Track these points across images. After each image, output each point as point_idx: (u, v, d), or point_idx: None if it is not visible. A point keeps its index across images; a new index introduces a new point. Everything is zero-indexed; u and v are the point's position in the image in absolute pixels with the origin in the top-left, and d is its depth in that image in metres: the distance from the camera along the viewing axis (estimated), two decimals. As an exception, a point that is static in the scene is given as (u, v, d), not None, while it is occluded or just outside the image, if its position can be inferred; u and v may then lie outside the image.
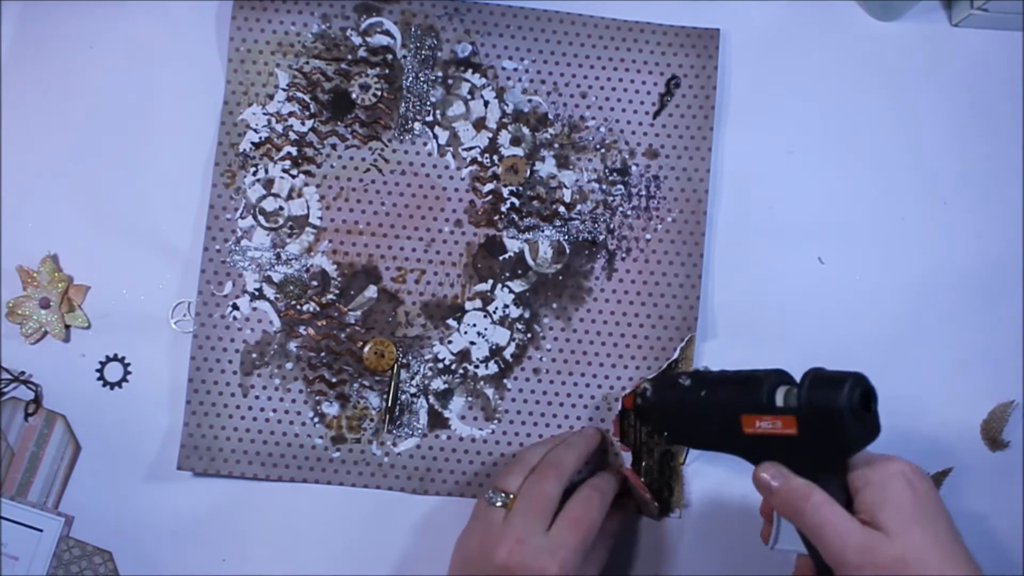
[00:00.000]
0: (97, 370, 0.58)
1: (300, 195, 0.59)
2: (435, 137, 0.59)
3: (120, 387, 0.58)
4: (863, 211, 0.60)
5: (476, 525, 0.52)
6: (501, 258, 0.59)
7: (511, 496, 0.52)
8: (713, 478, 0.58)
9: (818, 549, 0.45)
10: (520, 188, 0.59)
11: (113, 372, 0.58)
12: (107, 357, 0.58)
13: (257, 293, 0.58)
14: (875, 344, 0.59)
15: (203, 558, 0.57)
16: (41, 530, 0.57)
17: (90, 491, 0.58)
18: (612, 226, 0.59)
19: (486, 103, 0.60)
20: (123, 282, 0.59)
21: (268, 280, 0.58)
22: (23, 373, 0.58)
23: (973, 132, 0.61)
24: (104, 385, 0.58)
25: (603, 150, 0.60)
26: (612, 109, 0.60)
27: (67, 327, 0.58)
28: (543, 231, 0.59)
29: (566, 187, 0.59)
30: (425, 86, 0.60)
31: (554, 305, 0.59)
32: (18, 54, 0.60)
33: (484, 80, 0.60)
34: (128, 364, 0.58)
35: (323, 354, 0.58)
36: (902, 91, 0.61)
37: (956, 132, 0.61)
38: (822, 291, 0.60)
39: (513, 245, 0.59)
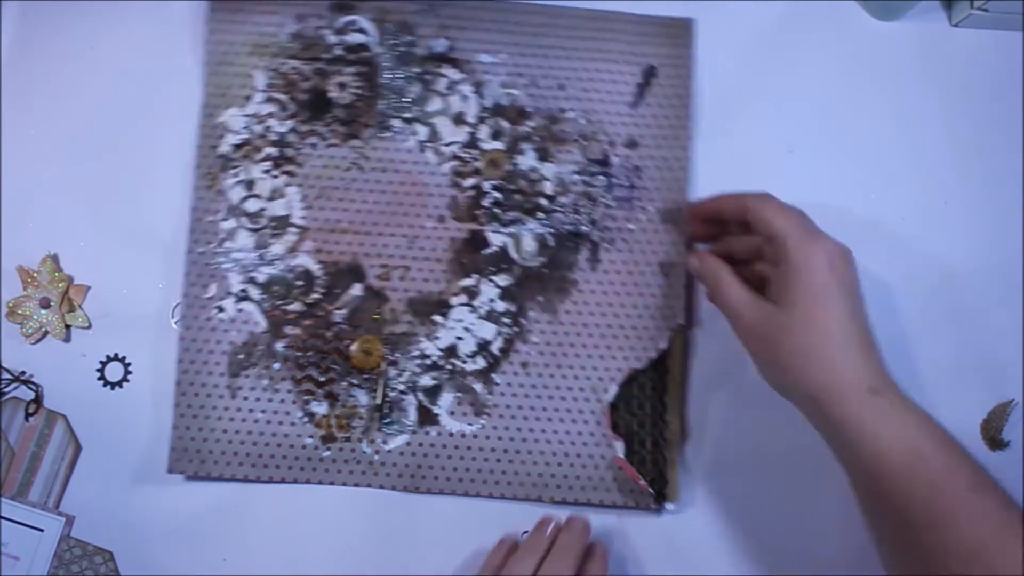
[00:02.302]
0: (98, 370, 0.58)
1: (282, 195, 0.59)
2: (415, 133, 0.59)
3: (121, 387, 0.58)
4: (863, 211, 0.60)
5: None
6: (485, 253, 0.59)
7: None
8: (716, 475, 0.59)
9: (730, 324, 0.52)
10: (502, 182, 0.59)
11: (114, 372, 0.58)
12: (108, 357, 0.58)
13: (242, 294, 0.58)
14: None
15: (203, 558, 0.57)
16: (42, 530, 0.57)
17: (91, 491, 0.57)
18: (595, 217, 0.59)
19: (464, 98, 0.60)
20: (123, 282, 0.59)
21: (253, 281, 0.58)
22: (23, 373, 0.58)
23: (973, 132, 0.61)
24: (105, 385, 0.58)
25: (583, 141, 0.60)
26: (591, 100, 0.60)
27: (67, 327, 0.58)
28: (526, 224, 0.59)
29: (547, 180, 0.59)
30: (403, 83, 0.60)
31: (540, 298, 0.59)
32: (18, 54, 0.60)
33: (462, 75, 0.60)
34: (129, 364, 0.58)
35: (310, 353, 0.58)
36: (902, 91, 0.61)
37: (956, 132, 0.61)
38: None
39: (496, 239, 0.59)
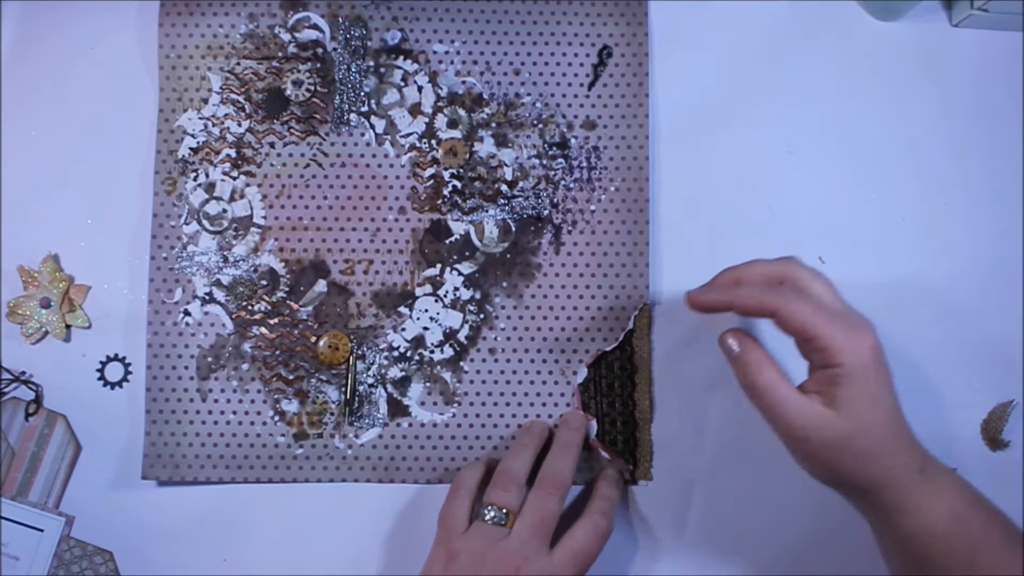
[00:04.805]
0: (98, 370, 0.58)
1: (242, 196, 0.59)
2: (372, 127, 0.59)
3: (121, 387, 0.58)
4: (863, 211, 0.60)
5: (469, 543, 0.51)
6: (447, 241, 0.59)
7: (509, 513, 0.52)
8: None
9: (766, 420, 0.49)
10: (461, 170, 0.59)
11: (114, 372, 0.58)
12: (108, 357, 0.58)
13: (207, 297, 0.58)
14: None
15: (203, 558, 0.58)
16: (42, 530, 0.57)
17: (90, 491, 0.58)
18: (556, 200, 0.59)
19: (420, 88, 0.59)
20: (124, 282, 0.59)
21: (217, 283, 0.58)
22: (24, 373, 0.58)
23: (973, 132, 0.60)
24: (105, 385, 0.58)
25: (541, 125, 0.60)
26: (547, 84, 0.60)
27: (68, 327, 0.58)
28: (487, 211, 0.59)
29: (507, 165, 0.59)
30: (357, 77, 0.59)
31: (504, 284, 0.59)
32: (18, 54, 0.60)
33: (416, 66, 0.60)
34: (129, 364, 0.58)
35: (278, 352, 0.58)
36: (902, 91, 0.61)
37: (956, 132, 0.60)
38: None
39: (458, 227, 0.59)
